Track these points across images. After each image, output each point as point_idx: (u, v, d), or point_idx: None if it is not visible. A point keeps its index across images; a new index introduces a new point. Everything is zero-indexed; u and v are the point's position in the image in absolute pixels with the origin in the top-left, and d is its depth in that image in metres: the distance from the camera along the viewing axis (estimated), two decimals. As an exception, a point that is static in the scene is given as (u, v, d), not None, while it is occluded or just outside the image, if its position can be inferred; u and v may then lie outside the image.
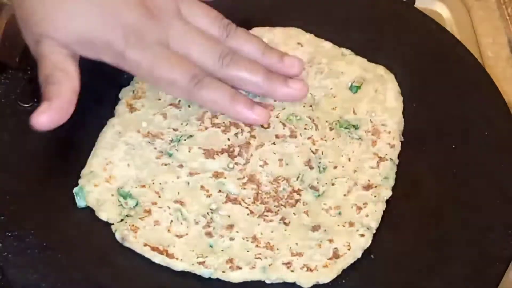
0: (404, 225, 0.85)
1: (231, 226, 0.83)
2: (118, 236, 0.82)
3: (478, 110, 0.93)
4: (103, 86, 0.95)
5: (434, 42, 1.00)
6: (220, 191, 0.86)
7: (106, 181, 0.86)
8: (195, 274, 0.80)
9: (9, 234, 0.81)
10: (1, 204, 0.83)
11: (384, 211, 0.85)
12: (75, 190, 0.85)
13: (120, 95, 0.94)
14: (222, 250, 0.82)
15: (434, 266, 0.81)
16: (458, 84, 0.95)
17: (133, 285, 0.79)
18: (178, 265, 0.80)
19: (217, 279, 0.80)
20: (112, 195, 0.85)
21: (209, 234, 0.83)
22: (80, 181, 0.86)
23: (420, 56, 0.98)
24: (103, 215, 0.84)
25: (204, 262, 0.80)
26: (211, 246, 0.82)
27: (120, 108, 0.93)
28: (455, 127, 0.92)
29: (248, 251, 0.81)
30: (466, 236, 0.83)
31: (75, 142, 0.90)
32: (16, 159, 0.87)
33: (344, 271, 0.80)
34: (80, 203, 0.84)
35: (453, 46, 0.99)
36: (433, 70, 0.97)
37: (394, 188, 0.87)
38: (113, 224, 0.83)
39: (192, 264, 0.80)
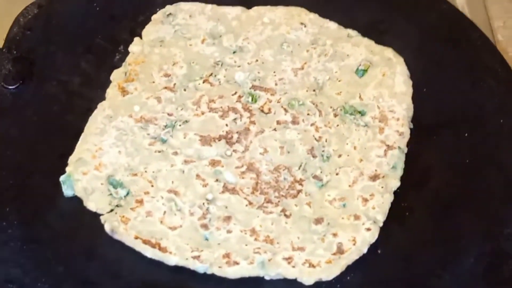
0: (413, 218, 0.80)
1: (228, 218, 0.78)
2: (107, 228, 0.77)
3: (493, 96, 0.88)
4: (93, 67, 0.89)
5: (445, 24, 0.94)
6: (217, 180, 0.81)
7: (95, 169, 0.81)
8: (189, 269, 0.75)
9: (-10, 225, 0.76)
10: (-18, 193, 0.78)
11: (391, 203, 0.80)
12: (61, 178, 0.80)
13: (111, 77, 0.88)
14: (219, 244, 0.77)
15: (444, 262, 0.76)
16: (471, 68, 0.90)
17: (123, 280, 0.75)
18: (171, 260, 0.75)
19: (213, 275, 0.75)
20: (102, 184, 0.80)
21: (204, 227, 0.78)
22: (67, 169, 0.81)
23: (431, 38, 0.93)
24: (91, 205, 0.79)
25: (199, 256, 0.75)
26: (206, 239, 0.77)
27: (111, 91, 0.87)
28: (468, 114, 0.87)
29: (246, 245, 0.76)
30: (479, 230, 0.78)
31: (62, 127, 0.85)
32: (-1, 145, 0.82)
33: (348, 267, 0.76)
34: (67, 192, 0.80)
35: (466, 28, 0.94)
36: (445, 53, 0.91)
37: (402, 178, 0.82)
38: (102, 214, 0.78)
39: (186, 259, 0.75)
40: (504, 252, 0.76)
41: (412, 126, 0.86)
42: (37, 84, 0.87)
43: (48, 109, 0.85)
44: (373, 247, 0.77)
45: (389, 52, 0.91)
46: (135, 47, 0.91)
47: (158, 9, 0.94)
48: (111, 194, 0.79)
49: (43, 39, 0.90)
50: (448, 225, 0.79)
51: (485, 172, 0.82)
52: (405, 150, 0.84)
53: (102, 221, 0.78)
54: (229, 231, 0.77)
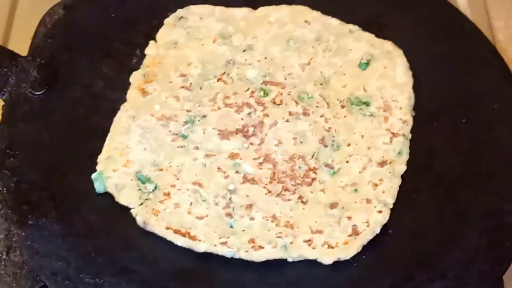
0: (420, 199, 0.86)
1: (250, 206, 0.84)
2: (139, 221, 0.83)
3: (487, 83, 0.94)
4: (113, 70, 0.95)
5: (440, 17, 1.00)
6: (237, 171, 0.87)
7: (124, 166, 0.86)
8: (217, 255, 0.81)
9: (32, 223, 0.81)
10: (22, 194, 0.83)
11: (399, 186, 0.86)
12: (93, 176, 0.85)
13: (131, 79, 0.94)
14: (243, 230, 0.82)
15: (451, 238, 0.82)
16: (466, 58, 0.96)
17: (159, 267, 0.80)
18: (200, 247, 0.81)
19: (240, 259, 0.81)
20: (131, 179, 0.85)
21: (229, 215, 0.83)
22: (98, 167, 0.86)
23: (427, 31, 0.98)
24: (123, 200, 0.84)
25: (226, 242, 0.81)
26: (231, 227, 0.83)
27: (132, 92, 0.93)
28: (465, 101, 0.93)
29: (269, 230, 0.82)
30: (481, 207, 0.84)
31: (89, 128, 0.90)
32: (32, 148, 0.87)
33: (364, 247, 0.82)
34: (99, 188, 0.85)
35: (459, 20, 1.00)
36: (440, 44, 0.97)
37: (408, 163, 0.88)
38: (133, 208, 0.84)
39: (215, 245, 0.81)
40: (506, 227, 0.82)
41: (414, 114, 0.92)
42: (62, 89, 0.92)
43: (75, 112, 0.91)
44: (384, 228, 0.83)
45: (388, 45, 0.97)
46: (151, 50, 0.96)
47: (170, 13, 0.99)
48: (140, 189, 0.85)
49: (64, 46, 0.95)
50: (453, 204, 0.85)
51: (484, 153, 0.88)
52: (409, 136, 0.90)
53: (134, 215, 0.83)
54: (252, 218, 0.83)
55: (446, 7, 1.02)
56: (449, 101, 0.93)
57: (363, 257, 0.82)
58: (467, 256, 0.81)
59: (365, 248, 0.82)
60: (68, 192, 0.84)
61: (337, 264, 0.81)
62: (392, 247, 0.83)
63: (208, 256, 0.81)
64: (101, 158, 0.87)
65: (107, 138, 0.88)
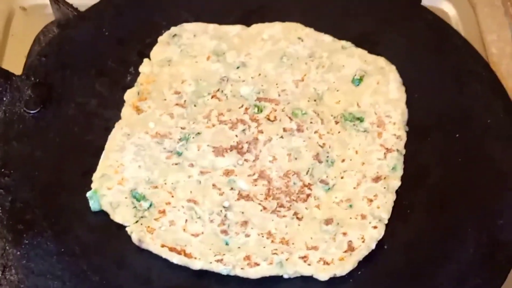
0: (414, 214, 0.86)
1: (245, 223, 0.84)
2: (134, 238, 0.83)
3: (479, 98, 0.95)
4: (107, 88, 0.95)
5: (432, 33, 1.01)
6: (231, 188, 0.87)
7: (119, 184, 0.86)
8: (213, 272, 0.81)
9: (27, 242, 0.81)
10: (17, 213, 0.83)
11: (394, 202, 0.86)
12: (88, 194, 0.85)
13: (125, 97, 0.94)
14: (239, 247, 0.83)
15: (445, 252, 0.83)
16: (458, 74, 0.97)
17: (153, 285, 0.80)
18: (196, 264, 0.81)
19: (235, 276, 0.81)
20: (126, 197, 0.85)
21: (224, 232, 0.84)
22: (92, 185, 0.86)
23: (419, 47, 0.99)
24: (118, 218, 0.84)
25: (222, 260, 0.81)
26: (227, 244, 0.83)
27: (126, 110, 0.93)
28: (457, 116, 0.93)
29: (264, 247, 0.83)
30: (474, 222, 0.85)
31: (83, 146, 0.90)
32: (26, 167, 0.87)
33: (359, 262, 0.82)
34: (94, 206, 0.85)
35: (451, 36, 1.01)
36: (433, 60, 0.98)
37: (402, 178, 0.88)
38: (128, 226, 0.84)
39: (210, 263, 0.81)
40: (499, 242, 0.83)
41: (407, 129, 0.92)
42: (57, 108, 0.92)
43: (69, 130, 0.91)
44: (379, 243, 0.83)
45: (381, 61, 0.98)
46: (144, 67, 0.96)
47: (163, 31, 1.00)
48: (135, 207, 0.85)
49: (58, 65, 0.95)
50: (447, 219, 0.85)
51: (477, 169, 0.89)
52: (403, 152, 0.90)
53: (129, 232, 0.83)
54: (247, 235, 0.83)
55: (438, 23, 1.03)
56: (442, 116, 0.94)
57: (359, 273, 0.82)
58: (462, 271, 0.82)
59: (361, 264, 0.82)
60: (63, 210, 0.84)
61: (333, 280, 0.81)
62: (387, 263, 0.83)
63: (203, 274, 0.81)
64: (96, 176, 0.87)
65: (102, 156, 0.88)
